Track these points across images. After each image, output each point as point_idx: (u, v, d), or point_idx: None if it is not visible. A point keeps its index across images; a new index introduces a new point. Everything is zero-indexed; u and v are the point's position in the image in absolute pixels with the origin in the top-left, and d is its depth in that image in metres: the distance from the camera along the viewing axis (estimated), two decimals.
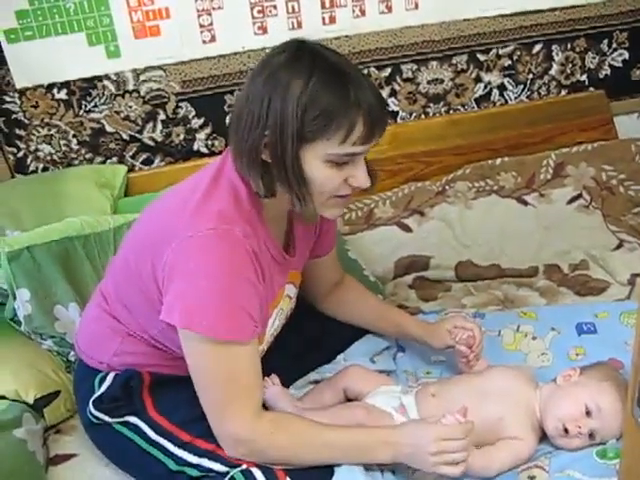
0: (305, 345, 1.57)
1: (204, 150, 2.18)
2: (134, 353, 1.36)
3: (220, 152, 2.17)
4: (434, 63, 2.27)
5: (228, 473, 1.25)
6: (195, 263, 1.18)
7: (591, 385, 1.36)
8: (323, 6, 2.10)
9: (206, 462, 1.27)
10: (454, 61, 2.28)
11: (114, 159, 2.12)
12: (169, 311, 1.20)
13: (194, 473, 1.28)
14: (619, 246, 2.07)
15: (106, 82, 2.03)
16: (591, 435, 1.33)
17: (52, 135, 2.05)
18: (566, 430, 1.32)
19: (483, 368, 1.50)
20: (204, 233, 1.18)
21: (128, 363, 1.36)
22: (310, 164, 1.19)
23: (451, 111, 2.34)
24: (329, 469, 1.28)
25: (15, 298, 1.63)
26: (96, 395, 1.36)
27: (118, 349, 1.37)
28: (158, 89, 2.07)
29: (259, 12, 2.06)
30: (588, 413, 1.33)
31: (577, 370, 1.42)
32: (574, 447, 1.34)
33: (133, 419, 1.34)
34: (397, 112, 2.30)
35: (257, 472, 1.23)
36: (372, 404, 1.40)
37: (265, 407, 1.31)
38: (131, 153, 2.12)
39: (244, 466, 1.24)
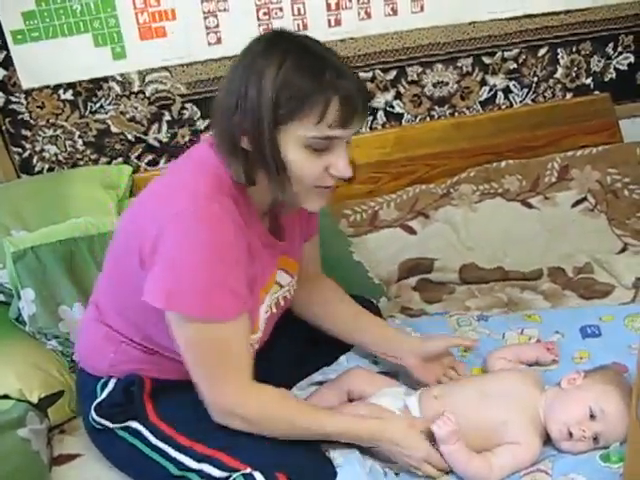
0: (307, 346, 1.57)
1: None
2: (129, 362, 1.36)
3: None
4: (439, 66, 2.27)
5: (229, 478, 1.25)
6: (175, 245, 1.18)
7: (595, 389, 1.36)
8: (329, 8, 2.10)
9: (207, 467, 1.27)
10: (459, 64, 2.28)
11: (119, 160, 2.12)
12: (151, 294, 1.20)
13: (195, 478, 1.28)
14: (624, 249, 2.07)
15: (112, 83, 2.03)
16: (595, 439, 1.33)
17: (58, 136, 2.06)
18: (570, 434, 1.32)
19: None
20: (183, 214, 1.18)
21: (126, 371, 1.36)
22: (288, 148, 1.19)
23: (456, 114, 2.34)
24: (332, 470, 1.29)
25: (20, 298, 1.64)
26: (97, 401, 1.36)
27: (113, 359, 1.37)
28: (164, 90, 2.08)
29: (265, 14, 2.06)
30: (592, 417, 1.33)
31: (581, 374, 1.42)
32: (578, 451, 1.33)
33: (134, 424, 1.34)
34: (402, 115, 2.30)
35: (259, 476, 1.23)
36: (378, 405, 1.41)
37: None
38: (136, 154, 2.13)
39: (247, 470, 1.24)
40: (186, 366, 1.27)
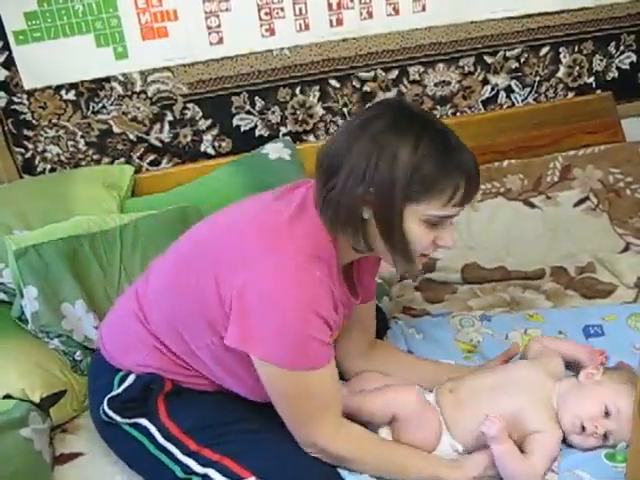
0: None
1: (211, 151, 2.18)
2: (157, 367, 1.36)
3: (227, 153, 2.18)
4: (441, 65, 2.27)
5: None
6: (276, 293, 1.19)
7: (613, 386, 1.36)
8: (330, 8, 2.10)
9: (212, 473, 1.27)
10: (461, 63, 2.28)
11: (121, 160, 2.12)
12: (244, 340, 1.22)
13: None
14: (626, 249, 2.07)
15: (114, 83, 2.03)
16: (606, 436, 1.33)
17: (60, 136, 2.06)
18: (583, 428, 1.32)
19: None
20: (288, 264, 1.20)
21: (149, 371, 1.36)
22: (409, 222, 1.21)
23: (458, 113, 2.34)
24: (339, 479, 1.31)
25: (22, 296, 1.64)
26: (113, 394, 1.36)
27: (142, 361, 1.36)
28: (165, 90, 2.08)
29: (266, 14, 2.06)
30: (607, 414, 1.33)
31: (600, 369, 1.41)
32: (587, 446, 1.33)
33: (144, 421, 1.33)
34: None
35: None
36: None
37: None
38: (138, 154, 2.13)
39: (251, 478, 1.24)
40: (277, 410, 1.29)
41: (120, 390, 1.35)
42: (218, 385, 1.36)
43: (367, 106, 1.31)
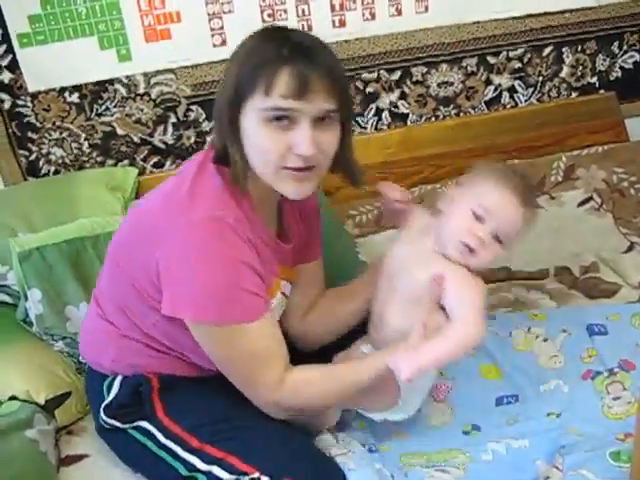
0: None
1: None
2: (131, 356, 1.37)
3: None
4: (444, 66, 2.27)
5: None
6: (190, 253, 1.19)
7: (470, 192, 1.31)
8: (333, 9, 2.10)
9: (215, 469, 1.27)
10: (464, 64, 2.28)
11: (125, 162, 2.12)
12: (174, 307, 1.21)
13: None
14: (630, 248, 2.07)
15: (117, 85, 2.04)
16: (497, 239, 1.28)
17: (64, 138, 2.06)
18: (469, 247, 1.27)
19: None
20: (197, 223, 1.19)
21: (130, 366, 1.37)
22: (249, 126, 1.21)
23: (461, 114, 2.34)
24: (341, 476, 1.30)
25: (27, 299, 1.64)
26: (106, 402, 1.37)
27: (115, 354, 1.38)
28: (169, 92, 2.08)
29: (269, 16, 2.06)
30: (479, 219, 1.28)
31: (452, 185, 1.37)
32: (489, 259, 1.29)
33: (144, 424, 1.34)
34: (407, 115, 2.29)
35: None
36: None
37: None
38: (142, 156, 2.13)
39: (255, 474, 1.24)
40: (219, 368, 1.28)
41: (110, 398, 1.37)
42: (196, 367, 1.35)
43: None
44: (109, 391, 1.37)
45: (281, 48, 1.18)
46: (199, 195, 1.23)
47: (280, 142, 1.20)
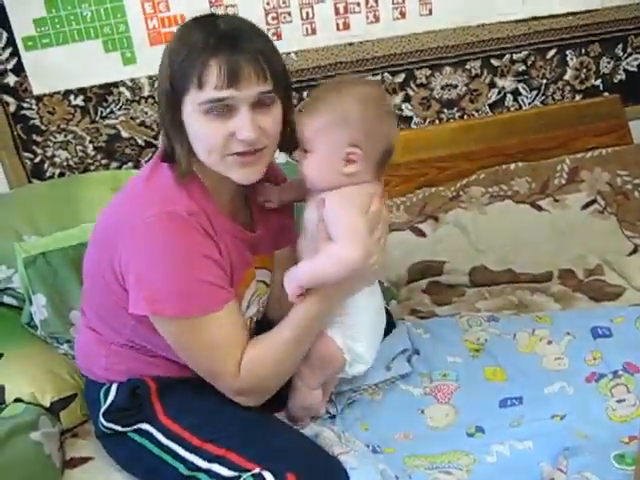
0: None
1: None
2: (122, 362, 1.37)
3: None
4: (448, 68, 2.27)
5: (239, 478, 1.25)
6: (147, 250, 1.20)
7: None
8: (337, 12, 2.11)
9: (216, 467, 1.27)
10: (468, 66, 2.28)
11: (130, 164, 2.13)
12: (134, 303, 1.22)
13: (205, 478, 1.28)
14: (634, 251, 2.06)
15: (122, 88, 2.04)
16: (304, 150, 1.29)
17: (69, 141, 2.07)
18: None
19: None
20: (150, 219, 1.20)
21: (122, 372, 1.37)
22: (190, 119, 1.21)
23: (465, 116, 2.34)
24: (343, 472, 1.29)
25: (31, 303, 1.65)
26: (104, 408, 1.37)
27: (107, 362, 1.38)
28: None
29: (273, 19, 2.07)
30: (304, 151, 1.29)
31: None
32: (305, 170, 1.29)
33: (145, 426, 1.34)
34: (411, 117, 2.30)
35: (269, 476, 1.23)
36: None
37: None
38: (146, 158, 2.13)
39: (256, 470, 1.24)
40: (183, 360, 1.29)
41: (108, 402, 1.37)
42: (187, 367, 1.35)
43: None
44: (106, 397, 1.38)
45: (208, 38, 1.17)
46: (151, 193, 1.25)
47: (222, 130, 1.20)
